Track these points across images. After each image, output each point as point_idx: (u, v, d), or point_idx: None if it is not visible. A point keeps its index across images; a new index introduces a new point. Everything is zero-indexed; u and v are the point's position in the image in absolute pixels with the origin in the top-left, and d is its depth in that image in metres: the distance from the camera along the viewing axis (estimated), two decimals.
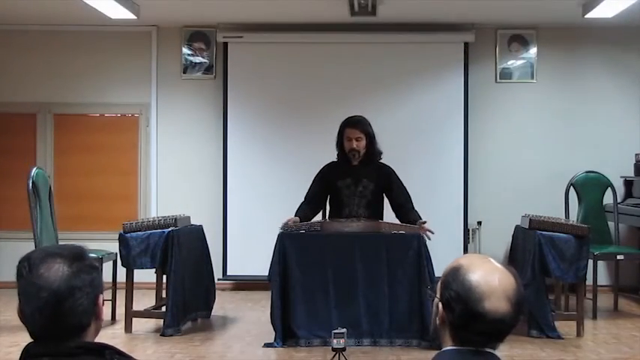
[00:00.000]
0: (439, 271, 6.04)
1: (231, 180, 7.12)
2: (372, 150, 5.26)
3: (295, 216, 5.20)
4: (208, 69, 7.26)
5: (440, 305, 1.72)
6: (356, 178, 5.29)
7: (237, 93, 7.11)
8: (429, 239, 5.03)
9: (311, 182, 5.42)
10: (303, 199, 5.37)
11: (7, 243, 6.98)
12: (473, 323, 1.65)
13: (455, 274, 1.69)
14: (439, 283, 1.74)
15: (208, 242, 5.97)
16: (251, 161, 7.12)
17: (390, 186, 5.33)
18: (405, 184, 5.41)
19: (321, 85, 7.14)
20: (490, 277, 1.67)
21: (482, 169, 7.19)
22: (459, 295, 1.66)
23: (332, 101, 6.96)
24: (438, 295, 1.73)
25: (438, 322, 1.75)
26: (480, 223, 7.14)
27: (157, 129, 7.28)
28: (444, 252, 6.18)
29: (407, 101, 7.10)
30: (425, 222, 5.07)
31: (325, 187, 5.39)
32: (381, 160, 5.37)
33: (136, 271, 5.42)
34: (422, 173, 6.89)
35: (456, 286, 1.67)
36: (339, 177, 5.33)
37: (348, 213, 5.27)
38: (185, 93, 7.29)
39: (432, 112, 7.10)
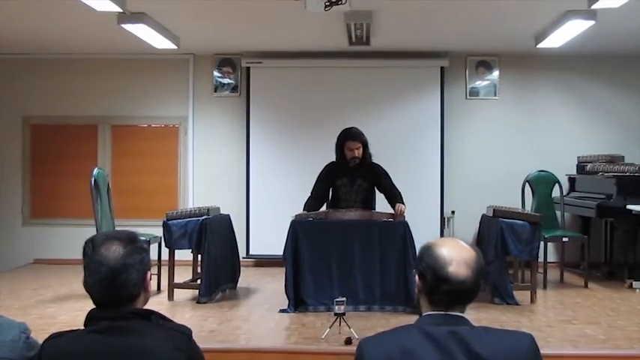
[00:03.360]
0: None
1: (252, 178, 7.09)
2: (366, 155, 5.23)
3: (304, 209, 5.15)
4: (234, 88, 7.19)
5: (417, 277, 1.75)
6: (352, 177, 5.24)
7: (257, 108, 7.09)
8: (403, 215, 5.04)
9: (315, 180, 5.34)
10: (309, 195, 5.30)
11: (75, 228, 6.94)
12: (441, 285, 1.67)
13: (426, 250, 1.74)
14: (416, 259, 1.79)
15: (234, 228, 5.93)
16: (269, 163, 7.08)
17: (380, 181, 5.30)
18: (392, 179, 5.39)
19: (326, 101, 7.08)
20: (453, 249, 1.71)
21: (455, 170, 7.15)
22: (429, 265, 1.70)
23: (333, 115, 6.87)
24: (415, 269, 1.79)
25: (416, 291, 1.78)
26: (453, 212, 7.08)
27: (194, 137, 7.23)
28: (424, 236, 6.02)
29: (394, 115, 7.05)
30: (402, 207, 5.05)
31: (328, 184, 5.34)
32: (373, 160, 5.29)
33: (176, 251, 5.38)
34: (406, 174, 6.76)
35: (427, 258, 1.71)
36: (337, 176, 5.28)
37: (345, 206, 5.23)
38: (216, 108, 7.25)
39: (414, 123, 7.06)
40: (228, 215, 5.90)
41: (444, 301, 1.68)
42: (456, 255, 1.69)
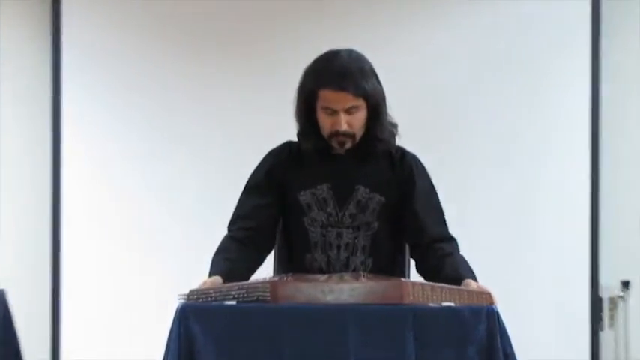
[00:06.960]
0: None
1: (68, 191, 7.56)
2: (378, 126, 5.12)
3: (212, 272, 4.91)
4: None
5: None
6: (343, 183, 5.16)
7: (78, 9, 7.57)
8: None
9: (241, 193, 5.24)
10: (226, 233, 5.13)
11: None
12: None
13: None
14: None
15: (20, 323, 5.87)
16: (111, 163, 7.63)
17: (411, 197, 5.18)
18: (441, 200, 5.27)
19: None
20: None
21: (631, 164, 7.32)
22: None
23: (283, 20, 7.50)
24: None
25: None
26: (626, 284, 7.34)
27: None
28: (546, 347, 6.23)
29: (455, 19, 7.44)
30: (487, 293, 4.72)
31: (276, 204, 5.24)
32: (398, 144, 5.21)
33: None
34: (491, 182, 7.16)
35: None
36: (303, 182, 5.19)
37: (325, 266, 5.13)
38: None
39: (517, 41, 7.34)
40: (1, 292, 5.70)
41: None
42: None
